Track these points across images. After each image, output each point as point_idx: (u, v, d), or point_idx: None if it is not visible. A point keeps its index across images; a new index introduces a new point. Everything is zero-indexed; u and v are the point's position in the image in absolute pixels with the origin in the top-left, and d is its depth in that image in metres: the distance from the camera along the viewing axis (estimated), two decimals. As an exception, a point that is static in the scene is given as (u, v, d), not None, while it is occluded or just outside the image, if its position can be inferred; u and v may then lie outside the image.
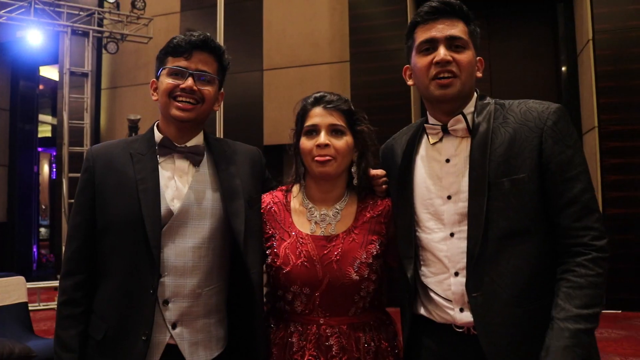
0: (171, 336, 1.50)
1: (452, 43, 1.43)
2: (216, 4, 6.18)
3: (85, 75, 7.50)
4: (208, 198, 1.58)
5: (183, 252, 1.52)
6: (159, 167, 1.57)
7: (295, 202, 1.66)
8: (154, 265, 1.46)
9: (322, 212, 1.61)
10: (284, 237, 1.60)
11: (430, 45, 1.45)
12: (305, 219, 1.62)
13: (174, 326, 1.50)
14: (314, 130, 1.58)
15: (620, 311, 5.60)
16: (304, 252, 1.55)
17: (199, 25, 8.18)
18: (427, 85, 1.45)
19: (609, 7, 6.01)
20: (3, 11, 7.00)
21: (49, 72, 11.20)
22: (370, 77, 6.63)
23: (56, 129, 10.46)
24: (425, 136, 1.56)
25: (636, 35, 5.92)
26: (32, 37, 7.45)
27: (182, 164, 1.59)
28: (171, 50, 1.57)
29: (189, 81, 1.54)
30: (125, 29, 7.69)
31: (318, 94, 1.62)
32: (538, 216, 1.36)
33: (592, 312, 1.27)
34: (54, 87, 11.22)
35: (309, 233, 1.59)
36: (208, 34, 1.60)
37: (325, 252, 1.54)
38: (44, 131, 13.00)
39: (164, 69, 1.58)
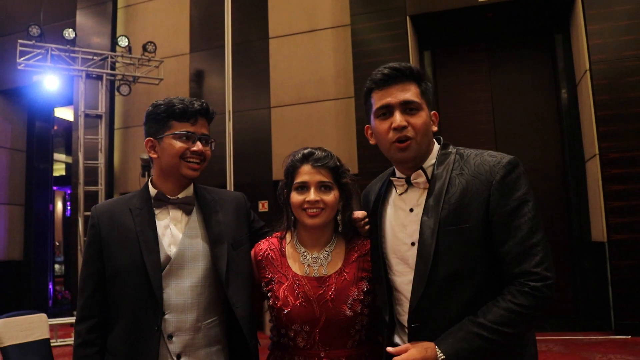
0: None
1: (407, 107, 1.54)
2: (224, 44, 6.34)
3: (99, 116, 7.72)
4: (199, 242, 1.77)
5: (182, 291, 1.71)
6: (156, 217, 1.76)
7: (289, 248, 1.81)
8: (157, 304, 1.65)
9: (313, 256, 1.76)
10: (281, 280, 1.74)
11: (387, 110, 1.56)
12: (299, 262, 1.76)
13: (178, 357, 1.68)
14: (304, 187, 1.71)
15: (629, 336, 5.63)
16: (301, 293, 1.69)
17: (208, 65, 8.42)
18: (389, 148, 1.58)
19: (604, 38, 6.17)
20: (22, 59, 7.32)
21: (63, 113, 11.43)
22: (375, 112, 6.73)
23: (70, 167, 10.65)
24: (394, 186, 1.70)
25: (631, 64, 6.07)
26: (48, 81, 7.63)
27: (176, 213, 1.79)
28: (177, 115, 1.73)
29: (200, 145, 1.75)
30: (137, 72, 7.95)
31: (306, 151, 1.75)
32: (480, 264, 1.46)
33: (497, 329, 1.36)
34: (68, 127, 11.45)
35: (304, 275, 1.73)
36: (204, 100, 1.79)
37: (320, 292, 1.68)
38: (58, 169, 13.18)
39: (172, 133, 1.74)
